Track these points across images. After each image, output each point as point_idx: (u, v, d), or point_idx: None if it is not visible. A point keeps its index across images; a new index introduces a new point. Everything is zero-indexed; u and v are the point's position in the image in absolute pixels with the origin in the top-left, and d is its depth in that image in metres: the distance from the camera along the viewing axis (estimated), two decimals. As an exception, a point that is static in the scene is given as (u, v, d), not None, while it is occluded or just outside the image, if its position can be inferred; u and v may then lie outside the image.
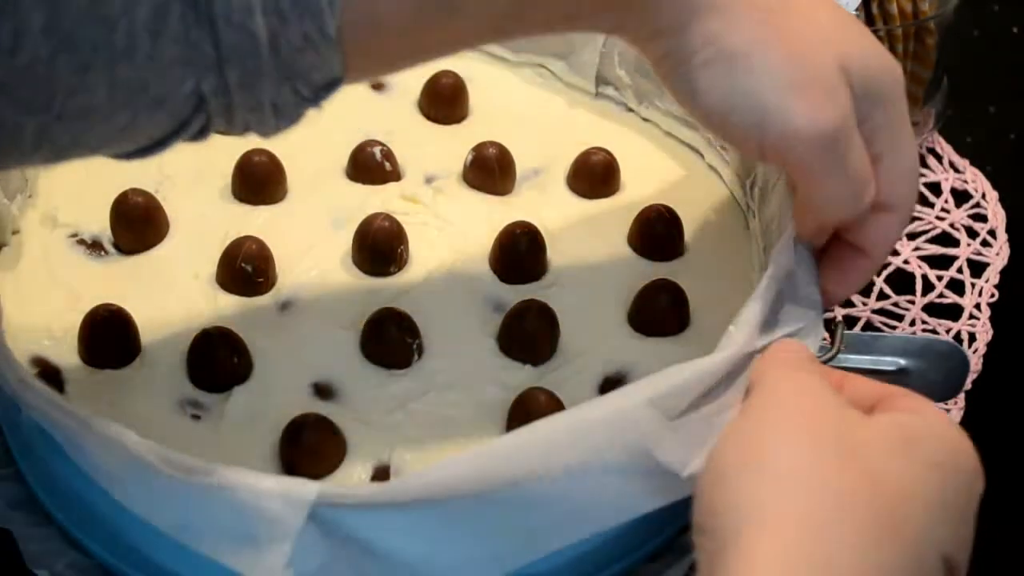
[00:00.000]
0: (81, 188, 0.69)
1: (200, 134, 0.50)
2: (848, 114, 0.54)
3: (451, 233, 0.68)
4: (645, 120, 0.76)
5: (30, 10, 0.44)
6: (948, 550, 0.45)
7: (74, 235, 0.67)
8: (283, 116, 0.50)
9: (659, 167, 0.73)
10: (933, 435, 0.47)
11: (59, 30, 0.44)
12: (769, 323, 0.56)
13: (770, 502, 0.44)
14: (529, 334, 0.62)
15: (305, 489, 0.49)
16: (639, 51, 0.56)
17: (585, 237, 0.69)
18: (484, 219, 0.68)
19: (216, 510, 0.49)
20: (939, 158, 0.83)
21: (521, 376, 0.62)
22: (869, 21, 0.78)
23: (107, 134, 0.48)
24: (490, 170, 0.70)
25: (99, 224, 0.67)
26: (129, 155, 0.50)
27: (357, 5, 0.48)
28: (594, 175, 0.71)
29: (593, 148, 0.72)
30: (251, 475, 0.50)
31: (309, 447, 0.57)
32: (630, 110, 0.76)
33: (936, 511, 0.45)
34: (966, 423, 0.66)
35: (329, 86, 0.50)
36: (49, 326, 0.62)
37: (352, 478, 0.58)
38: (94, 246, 0.67)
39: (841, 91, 0.54)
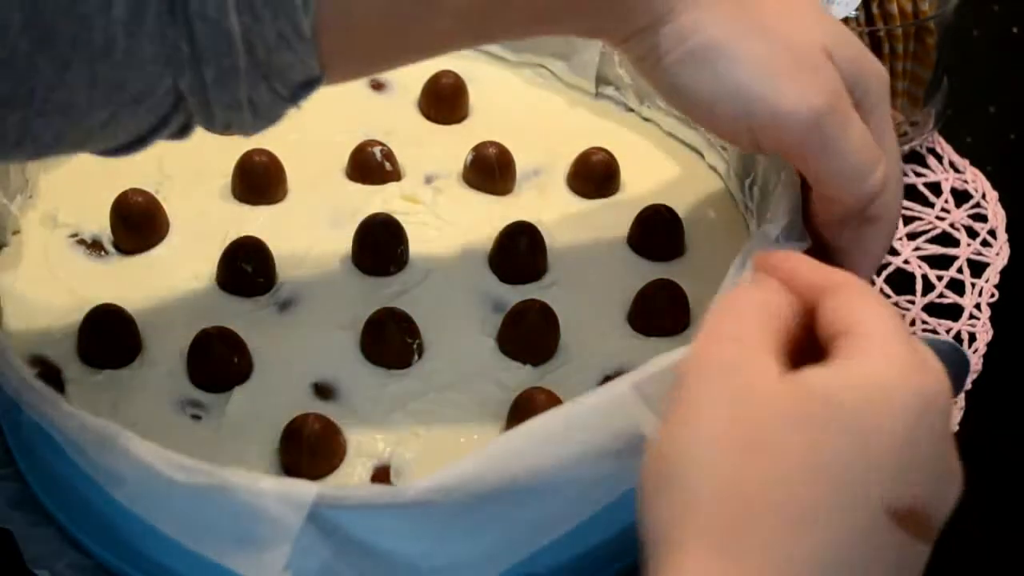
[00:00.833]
0: (81, 188, 0.69)
1: (182, 131, 0.50)
2: (839, 90, 0.54)
3: (451, 233, 0.68)
4: (645, 120, 0.76)
5: (9, 8, 0.44)
6: (893, 502, 0.42)
7: (74, 235, 0.67)
8: (261, 115, 0.50)
9: (659, 167, 0.73)
10: (850, 388, 0.43)
11: (38, 27, 0.45)
12: None
13: (678, 521, 0.43)
14: (529, 334, 0.62)
15: (305, 489, 0.49)
16: (620, 52, 0.56)
17: (585, 237, 0.69)
18: (484, 219, 0.68)
19: (216, 510, 0.49)
20: (939, 158, 0.83)
21: (521, 376, 0.62)
22: (869, 21, 0.78)
23: (88, 130, 0.48)
24: (490, 170, 0.70)
25: (99, 224, 0.67)
26: (114, 151, 0.51)
27: (332, 4, 0.48)
28: (594, 175, 0.71)
29: (593, 148, 0.72)
30: (251, 475, 0.50)
31: (309, 447, 0.57)
32: (630, 110, 0.76)
33: (864, 473, 0.42)
34: (966, 423, 0.66)
35: (307, 85, 0.50)
36: (49, 326, 0.62)
37: (352, 478, 0.58)
38: (94, 246, 0.67)
39: (828, 70, 0.54)
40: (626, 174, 0.72)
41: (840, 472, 0.42)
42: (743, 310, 0.47)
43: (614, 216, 0.69)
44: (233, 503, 0.49)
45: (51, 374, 0.60)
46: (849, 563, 0.42)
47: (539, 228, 0.67)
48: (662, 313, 0.64)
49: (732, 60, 0.53)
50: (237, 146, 0.70)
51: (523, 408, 0.59)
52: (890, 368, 0.44)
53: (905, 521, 0.43)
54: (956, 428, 0.65)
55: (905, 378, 0.44)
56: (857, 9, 0.77)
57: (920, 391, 0.44)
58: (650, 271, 0.67)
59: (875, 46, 0.78)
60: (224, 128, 0.50)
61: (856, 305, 0.46)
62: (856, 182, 0.56)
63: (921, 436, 0.43)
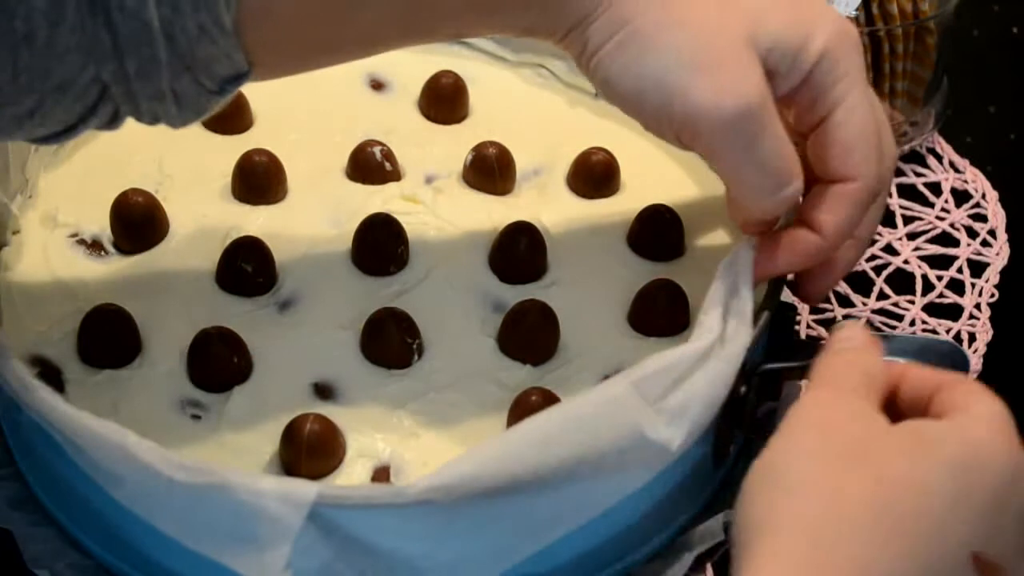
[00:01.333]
0: (81, 188, 0.69)
1: (112, 122, 0.51)
2: (759, 94, 0.53)
3: (451, 233, 0.68)
4: (645, 120, 0.76)
5: None
6: (979, 548, 0.44)
7: (74, 235, 0.67)
8: (186, 106, 0.50)
9: (659, 167, 0.73)
10: (954, 436, 0.46)
11: None
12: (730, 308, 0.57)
13: (778, 512, 0.44)
14: (529, 334, 0.62)
15: (305, 489, 0.49)
16: (562, 49, 0.55)
17: (585, 237, 0.69)
18: (484, 219, 0.68)
19: (216, 510, 0.49)
20: (939, 158, 0.83)
21: (521, 376, 0.62)
22: (869, 21, 0.78)
23: (17, 117, 0.49)
24: (490, 170, 0.70)
25: (99, 224, 0.67)
26: (45, 139, 0.51)
27: None
28: (594, 175, 0.71)
29: (593, 148, 0.71)
30: (251, 475, 0.50)
31: (309, 447, 0.57)
32: (630, 110, 0.76)
33: (957, 509, 0.44)
34: (966, 423, 0.66)
35: (234, 79, 0.50)
36: (49, 326, 0.62)
37: (352, 478, 0.58)
38: (94, 246, 0.67)
39: (750, 68, 0.53)
40: (626, 174, 0.72)
41: (936, 495, 0.45)
42: (851, 364, 0.50)
43: (614, 216, 0.69)
44: (233, 503, 0.49)
45: (51, 374, 0.60)
46: None
47: (539, 228, 0.67)
48: (662, 313, 0.64)
49: (655, 51, 0.53)
50: (237, 146, 0.70)
51: (523, 408, 0.59)
52: (994, 437, 0.47)
53: (988, 574, 0.45)
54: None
55: (1007, 448, 0.46)
56: (857, 9, 0.77)
57: (1012, 464, 0.46)
58: (650, 271, 0.67)
59: (875, 46, 0.78)
60: (152, 119, 0.51)
61: (971, 391, 0.49)
62: (765, 192, 0.55)
63: (1005, 504, 0.45)
